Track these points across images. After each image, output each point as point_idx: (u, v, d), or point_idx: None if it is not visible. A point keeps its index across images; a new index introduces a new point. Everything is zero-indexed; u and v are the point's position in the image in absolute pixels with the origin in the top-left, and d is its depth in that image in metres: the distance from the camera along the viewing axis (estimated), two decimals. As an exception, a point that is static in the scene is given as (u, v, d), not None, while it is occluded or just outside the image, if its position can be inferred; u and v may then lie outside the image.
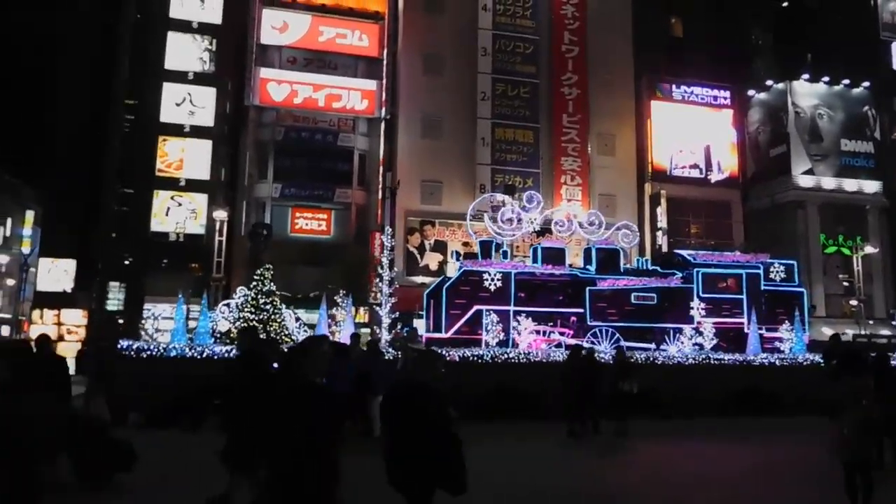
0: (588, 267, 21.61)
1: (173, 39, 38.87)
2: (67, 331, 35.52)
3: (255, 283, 17.44)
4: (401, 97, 39.57)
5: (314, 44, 39.56)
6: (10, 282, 45.27)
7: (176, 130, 37.97)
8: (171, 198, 37.74)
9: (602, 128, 41.84)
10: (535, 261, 21.41)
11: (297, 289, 32.87)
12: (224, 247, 34.43)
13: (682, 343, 19.17)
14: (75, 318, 37.11)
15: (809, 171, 44.14)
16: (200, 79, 38.80)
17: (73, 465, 7.96)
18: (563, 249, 21.71)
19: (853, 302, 40.47)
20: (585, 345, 16.97)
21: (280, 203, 38.34)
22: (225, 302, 18.07)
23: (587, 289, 20.52)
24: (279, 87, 38.58)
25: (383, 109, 39.66)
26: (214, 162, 38.53)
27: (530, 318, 18.82)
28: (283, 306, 17.91)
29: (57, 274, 39.37)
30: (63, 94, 41.51)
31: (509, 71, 40.70)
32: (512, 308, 19.80)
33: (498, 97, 40.28)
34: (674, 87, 44.09)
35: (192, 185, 37.82)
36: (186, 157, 37.99)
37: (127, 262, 38.13)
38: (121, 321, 35.75)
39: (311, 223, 38.58)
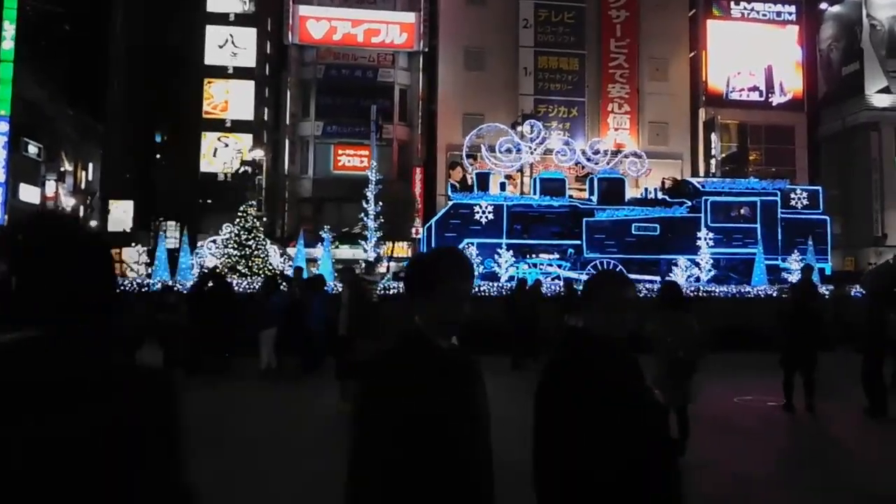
0: (591, 198, 20.98)
1: (214, -20, 39.23)
2: (128, 268, 37.60)
3: (238, 219, 17.78)
4: (441, 29, 38.83)
5: (352, -23, 39.04)
6: (94, 223, 48.23)
7: (220, 72, 38.64)
8: (218, 139, 38.73)
9: (653, 52, 39.75)
10: (534, 192, 20.95)
11: (343, 225, 33.38)
12: (265, 185, 35.19)
13: (677, 275, 18.40)
14: (135, 257, 39.21)
15: (885, 90, 40.61)
16: (241, 20, 39.16)
17: None
18: (564, 180, 21.13)
19: (927, 230, 37.63)
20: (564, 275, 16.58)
21: (322, 141, 38.63)
22: (211, 238, 18.56)
23: (584, 220, 19.97)
24: (318, 24, 38.45)
25: (422, 42, 39.01)
26: (258, 102, 39.13)
27: (511, 251, 18.47)
28: (268, 242, 18.25)
29: (117, 214, 41.36)
30: (114, 37, 42.79)
31: (553, -5, 39.12)
32: (504, 241, 19.53)
33: (541, 24, 38.89)
34: (732, 3, 41.21)
35: (237, 126, 38.60)
36: (231, 99, 38.72)
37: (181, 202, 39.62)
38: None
39: (353, 160, 38.69)
